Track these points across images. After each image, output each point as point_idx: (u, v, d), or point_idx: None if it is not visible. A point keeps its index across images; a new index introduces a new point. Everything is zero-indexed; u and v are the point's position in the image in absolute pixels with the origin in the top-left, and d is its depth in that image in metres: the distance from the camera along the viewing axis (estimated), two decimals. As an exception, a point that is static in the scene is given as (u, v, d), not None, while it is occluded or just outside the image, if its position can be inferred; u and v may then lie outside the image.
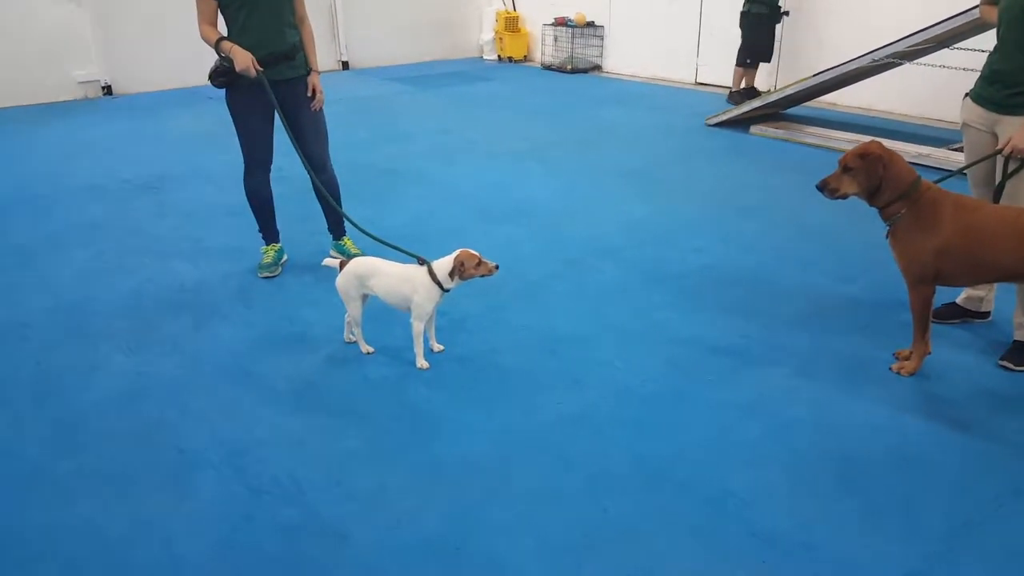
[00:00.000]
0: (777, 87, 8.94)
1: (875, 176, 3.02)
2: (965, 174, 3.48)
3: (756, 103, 7.48)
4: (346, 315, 3.47)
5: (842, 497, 2.53)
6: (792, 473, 2.65)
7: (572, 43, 11.49)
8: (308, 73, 4.05)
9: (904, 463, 2.70)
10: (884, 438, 2.83)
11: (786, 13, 8.47)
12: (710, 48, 9.91)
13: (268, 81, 3.82)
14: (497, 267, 3.20)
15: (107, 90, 9.51)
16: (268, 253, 4.35)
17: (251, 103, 3.93)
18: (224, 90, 3.95)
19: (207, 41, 3.81)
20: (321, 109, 4.15)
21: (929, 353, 3.20)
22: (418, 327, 3.28)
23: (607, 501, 2.50)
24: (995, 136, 3.27)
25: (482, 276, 3.20)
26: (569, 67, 11.37)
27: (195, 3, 3.79)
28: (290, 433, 2.90)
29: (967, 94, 3.41)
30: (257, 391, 3.19)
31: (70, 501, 2.57)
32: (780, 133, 7.21)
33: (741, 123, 7.61)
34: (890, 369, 3.24)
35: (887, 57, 6.12)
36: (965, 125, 3.42)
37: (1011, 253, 2.86)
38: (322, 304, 3.89)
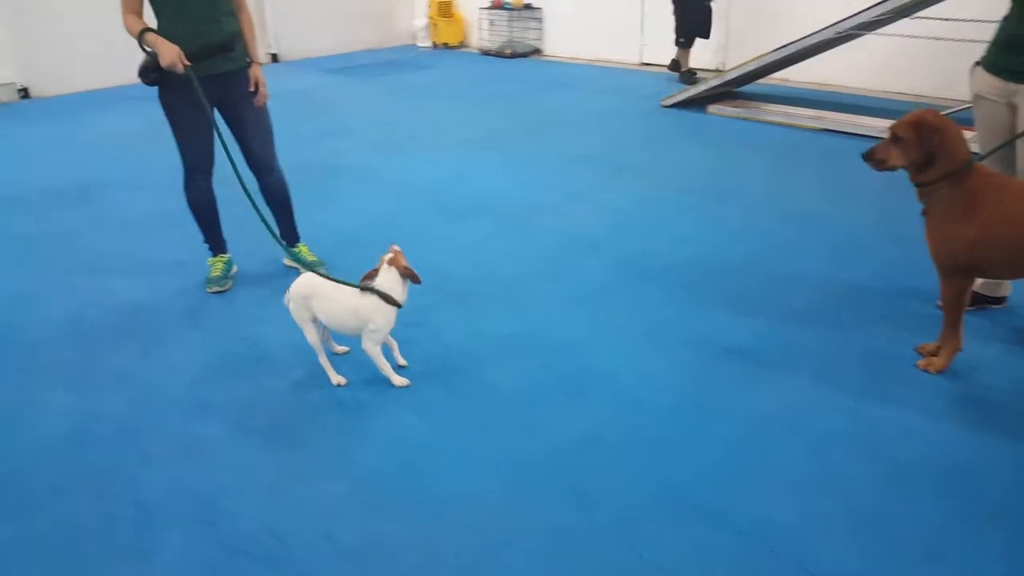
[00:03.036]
0: (727, 64, 8.81)
1: (927, 148, 2.74)
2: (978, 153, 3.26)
3: (713, 82, 7.29)
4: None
5: (898, 523, 2.28)
6: (838, 495, 2.39)
7: (510, 27, 11.17)
8: (249, 65, 3.67)
9: (957, 478, 2.46)
10: (930, 450, 2.59)
11: None
12: (654, 27, 9.67)
13: (205, 76, 3.43)
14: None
15: (24, 93, 8.79)
16: (216, 266, 3.95)
17: (188, 101, 3.52)
18: (157, 88, 3.53)
19: (131, 33, 3.38)
20: (265, 105, 3.77)
21: (960, 349, 2.96)
22: (375, 349, 2.96)
23: (639, 542, 2.22)
24: (1012, 108, 3.05)
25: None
26: (508, 52, 11.03)
27: None
28: (263, 477, 2.54)
29: (977, 63, 3.17)
30: (220, 427, 2.81)
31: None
32: (740, 112, 7.04)
33: (697, 103, 7.41)
34: (916, 366, 3.01)
35: (851, 28, 5.96)
36: (977, 97, 3.19)
37: None
38: (281, 321, 3.47)
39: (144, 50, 3.37)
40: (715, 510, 2.35)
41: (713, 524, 2.29)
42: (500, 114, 7.64)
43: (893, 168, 2.89)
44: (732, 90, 7.65)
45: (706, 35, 8.44)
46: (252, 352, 3.31)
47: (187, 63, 3.32)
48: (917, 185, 2.86)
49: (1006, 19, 3.05)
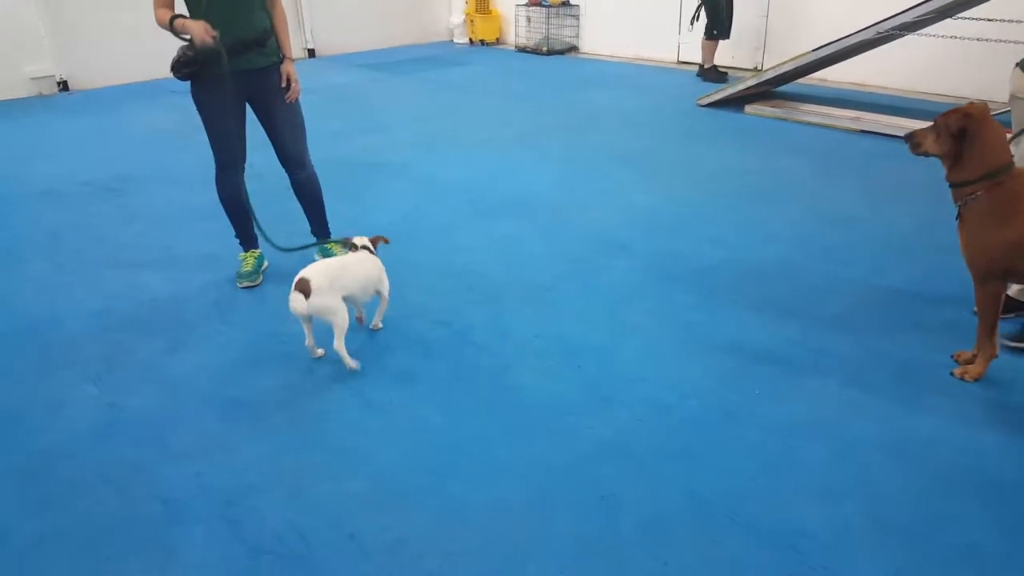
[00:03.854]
0: (765, 64, 8.69)
1: (953, 137, 2.68)
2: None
3: (750, 81, 7.17)
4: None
5: (933, 535, 2.22)
6: (869, 506, 2.33)
7: (547, 23, 11.12)
8: (281, 61, 3.67)
9: (994, 489, 2.39)
10: (963, 460, 2.51)
11: None
12: (691, 24, 9.56)
13: (237, 71, 3.46)
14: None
15: (63, 86, 8.92)
16: (247, 260, 3.96)
17: (220, 96, 3.53)
18: (189, 83, 3.54)
19: (162, 24, 3.40)
20: (297, 100, 3.77)
21: (995, 356, 2.89)
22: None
23: (665, 552, 2.17)
24: None
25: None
26: (544, 49, 10.99)
27: None
28: (288, 475, 2.54)
29: (1018, 64, 3.09)
30: (246, 424, 2.81)
31: (37, 572, 2.19)
32: (778, 112, 6.91)
33: (734, 102, 7.31)
34: (952, 374, 2.93)
35: (892, 29, 5.82)
36: (1014, 98, 3.10)
37: None
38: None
39: (180, 37, 3.39)
40: (742, 519, 2.29)
41: (740, 533, 2.24)
42: (535, 112, 7.61)
43: (927, 154, 2.84)
44: (769, 90, 7.53)
45: (727, 33, 8.41)
46: (282, 348, 3.31)
47: (214, 34, 3.30)
48: (952, 186, 2.79)
49: None
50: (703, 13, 8.43)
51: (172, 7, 3.42)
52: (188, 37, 3.37)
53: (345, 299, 3.08)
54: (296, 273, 3.04)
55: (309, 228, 4.11)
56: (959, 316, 3.35)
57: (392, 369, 3.12)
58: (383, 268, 3.31)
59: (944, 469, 2.48)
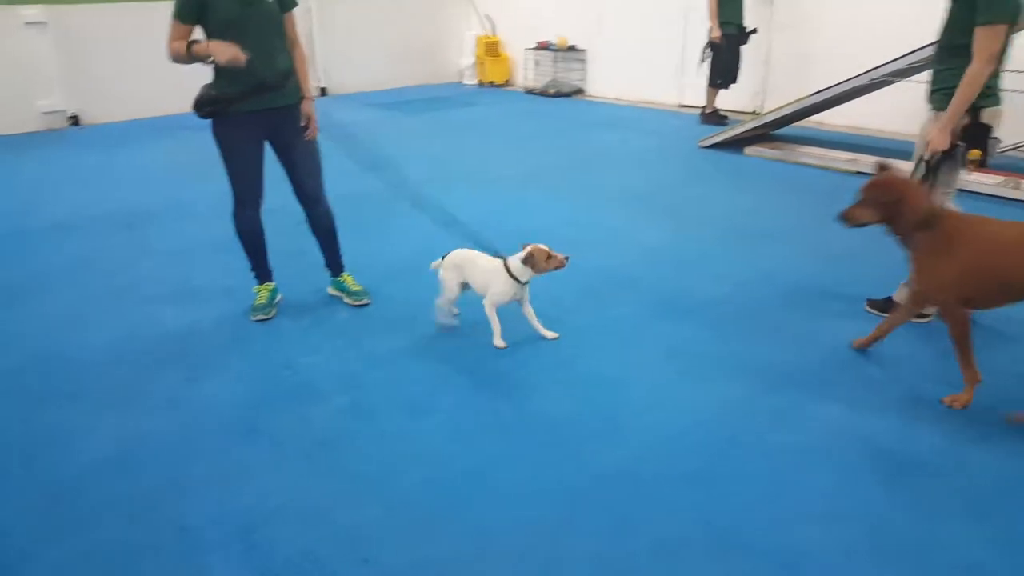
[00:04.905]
0: (765, 108, 8.87)
1: (885, 206, 3.03)
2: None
3: (750, 124, 7.34)
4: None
5: (934, 555, 2.30)
6: (870, 528, 2.41)
7: (554, 67, 11.36)
8: (300, 100, 3.78)
9: (985, 507, 2.49)
10: (957, 481, 2.63)
11: (754, 31, 8.47)
12: (693, 69, 9.78)
13: (259, 110, 3.60)
14: (567, 258, 3.55)
15: (74, 120, 9.08)
16: (261, 294, 4.05)
17: (240, 134, 3.65)
18: (211, 121, 3.65)
19: (177, 56, 3.43)
20: (315, 139, 3.88)
21: (979, 381, 3.02)
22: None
23: (677, 573, 2.24)
24: None
25: (555, 269, 3.54)
26: (552, 91, 11.22)
27: (169, 27, 3.46)
28: (305, 502, 2.59)
29: None
30: (263, 453, 2.88)
31: (60, 595, 2.25)
32: (776, 154, 7.07)
33: (734, 145, 7.47)
34: (941, 402, 3.06)
35: (885, 75, 5.99)
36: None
37: None
38: (323, 349, 3.61)
39: (201, 61, 3.42)
40: (748, 541, 2.37)
41: (746, 554, 2.32)
42: (543, 152, 7.77)
43: (864, 224, 3.17)
44: (768, 132, 7.70)
45: (735, 79, 8.60)
46: (296, 379, 3.38)
47: (245, 56, 3.35)
48: (895, 236, 3.09)
49: None
50: (708, 60, 8.63)
51: (187, 39, 3.45)
52: (211, 60, 3.39)
53: (465, 285, 3.69)
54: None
55: (324, 262, 4.19)
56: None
57: (406, 399, 3.19)
58: (504, 286, 3.56)
59: (941, 491, 2.59)
